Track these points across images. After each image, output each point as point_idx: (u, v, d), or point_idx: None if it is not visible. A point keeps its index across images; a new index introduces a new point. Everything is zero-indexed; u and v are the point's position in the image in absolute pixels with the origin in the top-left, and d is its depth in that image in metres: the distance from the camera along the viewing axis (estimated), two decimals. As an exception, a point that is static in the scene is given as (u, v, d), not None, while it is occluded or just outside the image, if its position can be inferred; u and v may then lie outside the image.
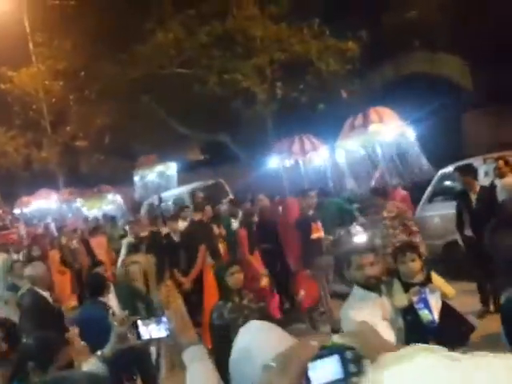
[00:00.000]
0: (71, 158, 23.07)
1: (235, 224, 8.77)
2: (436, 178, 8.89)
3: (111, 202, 17.86)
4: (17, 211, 20.61)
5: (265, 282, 7.59)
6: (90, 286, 5.54)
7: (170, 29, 15.71)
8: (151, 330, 2.52)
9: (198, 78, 15.91)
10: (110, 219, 13.41)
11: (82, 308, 6.23)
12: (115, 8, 16.25)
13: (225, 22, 15.69)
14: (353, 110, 11.79)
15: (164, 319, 2.52)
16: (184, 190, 15.56)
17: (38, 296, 5.75)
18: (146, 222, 10.47)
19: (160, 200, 14.20)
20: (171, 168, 17.13)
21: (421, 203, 9.01)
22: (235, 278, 4.46)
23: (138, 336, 2.53)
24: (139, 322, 2.53)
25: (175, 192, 15.85)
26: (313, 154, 12.33)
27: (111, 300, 6.04)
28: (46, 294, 5.84)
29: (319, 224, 7.48)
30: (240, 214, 9.10)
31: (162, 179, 16.64)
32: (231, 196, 14.07)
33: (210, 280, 7.12)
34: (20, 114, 22.13)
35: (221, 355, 2.83)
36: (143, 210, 14.94)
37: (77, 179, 22.27)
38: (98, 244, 10.88)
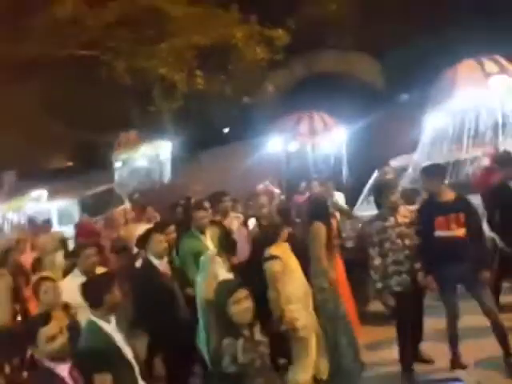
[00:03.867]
0: None
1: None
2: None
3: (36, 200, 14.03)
4: None
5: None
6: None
7: (67, 1, 13.02)
8: None
9: (106, 62, 13.44)
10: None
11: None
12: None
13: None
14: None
15: None
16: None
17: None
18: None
19: None
20: (163, 149, 14.33)
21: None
22: (242, 308, 3.16)
23: None
24: None
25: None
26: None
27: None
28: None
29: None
30: None
31: (153, 164, 13.72)
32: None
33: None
34: None
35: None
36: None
37: None
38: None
